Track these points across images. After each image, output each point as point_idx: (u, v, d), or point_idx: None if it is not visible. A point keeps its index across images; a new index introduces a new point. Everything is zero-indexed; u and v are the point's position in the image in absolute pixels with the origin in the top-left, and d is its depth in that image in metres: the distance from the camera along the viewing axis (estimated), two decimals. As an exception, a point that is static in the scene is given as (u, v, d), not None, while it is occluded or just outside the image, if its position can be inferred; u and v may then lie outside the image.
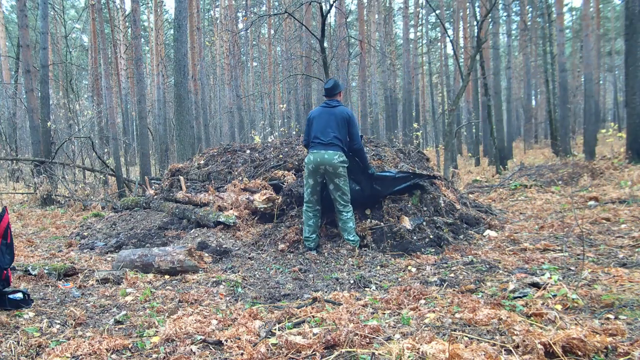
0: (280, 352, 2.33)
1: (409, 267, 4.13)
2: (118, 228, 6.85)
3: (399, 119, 24.26)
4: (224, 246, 5.00)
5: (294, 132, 17.83)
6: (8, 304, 3.12)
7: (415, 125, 20.64)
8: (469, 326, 2.55)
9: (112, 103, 15.61)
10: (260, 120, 30.58)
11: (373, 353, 2.22)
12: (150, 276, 4.13)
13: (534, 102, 32.37)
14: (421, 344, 2.21)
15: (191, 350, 2.42)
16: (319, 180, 4.79)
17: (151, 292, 3.59)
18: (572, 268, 3.68)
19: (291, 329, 2.68)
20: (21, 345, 2.51)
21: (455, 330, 2.50)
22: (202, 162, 7.56)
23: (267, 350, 2.33)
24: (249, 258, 4.73)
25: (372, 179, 5.08)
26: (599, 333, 2.26)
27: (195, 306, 3.22)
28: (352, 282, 3.80)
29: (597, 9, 25.55)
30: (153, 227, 6.46)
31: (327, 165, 4.66)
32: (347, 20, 20.69)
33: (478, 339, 2.31)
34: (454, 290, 3.32)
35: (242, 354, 2.33)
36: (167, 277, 4.15)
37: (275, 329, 2.66)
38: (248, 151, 7.23)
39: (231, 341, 2.49)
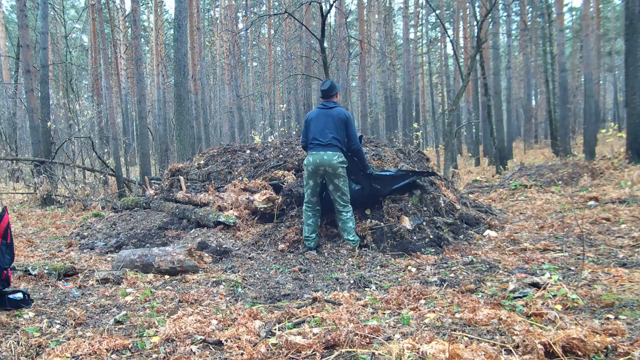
0: (280, 352, 2.33)
1: (409, 267, 4.13)
2: (118, 228, 6.85)
3: (399, 119, 24.27)
4: (224, 246, 5.00)
5: (294, 132, 17.84)
6: (8, 304, 3.12)
7: (415, 125, 20.64)
8: (469, 326, 2.55)
9: (112, 103, 15.62)
10: (260, 120, 30.59)
11: (373, 353, 2.22)
12: (150, 276, 4.13)
13: (534, 102, 32.37)
14: (421, 344, 2.21)
15: (191, 350, 2.42)
16: (319, 181, 4.80)
17: (151, 292, 3.59)
18: (572, 268, 3.68)
19: (291, 329, 2.68)
20: (21, 345, 2.51)
21: (455, 330, 2.50)
22: (202, 162, 7.56)
23: (267, 350, 2.33)
24: (249, 258, 4.73)
25: (371, 178, 5.09)
26: (599, 333, 2.26)
27: (195, 306, 3.22)
28: (352, 282, 3.80)
29: (597, 9, 25.55)
30: (153, 227, 6.47)
31: (327, 166, 4.66)
32: (347, 20, 20.69)
33: (478, 339, 2.31)
34: (454, 290, 3.32)
35: (242, 354, 2.33)
36: (167, 277, 4.15)
37: (275, 329, 2.66)
38: (248, 151, 7.23)
39: (231, 341, 2.49)
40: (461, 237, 5.10)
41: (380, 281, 3.79)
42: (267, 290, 3.64)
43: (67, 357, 2.34)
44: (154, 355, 2.40)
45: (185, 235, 5.74)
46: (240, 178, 6.27)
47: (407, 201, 5.26)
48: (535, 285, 3.18)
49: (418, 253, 4.53)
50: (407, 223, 4.91)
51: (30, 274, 4.05)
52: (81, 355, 2.36)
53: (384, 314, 2.91)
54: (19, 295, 3.22)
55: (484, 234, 5.26)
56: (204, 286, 3.78)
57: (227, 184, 6.34)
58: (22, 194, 12.02)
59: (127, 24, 22.39)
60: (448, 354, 2.05)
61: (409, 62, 21.41)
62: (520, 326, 2.38)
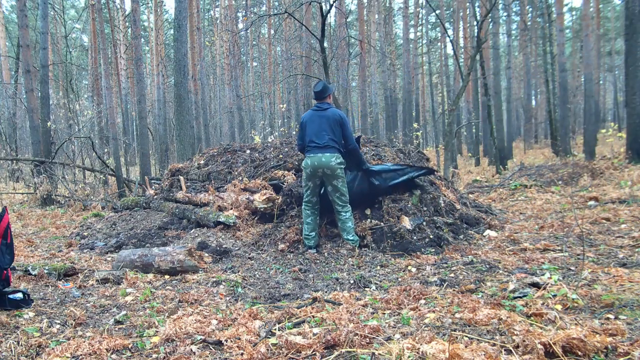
0: (280, 352, 2.33)
1: (409, 267, 4.13)
2: (118, 228, 6.85)
3: (399, 119, 24.27)
4: (224, 246, 5.00)
5: (294, 132, 17.82)
6: (8, 304, 3.12)
7: (415, 125, 20.64)
8: (469, 326, 2.55)
9: (112, 103, 15.62)
10: (260, 120, 30.58)
11: (373, 353, 2.22)
12: (150, 276, 4.13)
13: (534, 102, 32.37)
14: (421, 344, 2.21)
15: (191, 350, 2.42)
16: (318, 182, 4.82)
17: (151, 292, 3.59)
18: (572, 268, 3.68)
19: (291, 329, 2.68)
20: (21, 345, 2.51)
21: (455, 330, 2.50)
22: (202, 162, 7.56)
23: (267, 350, 2.33)
24: (249, 258, 4.73)
25: (369, 174, 5.09)
26: (599, 333, 2.26)
27: (195, 306, 3.22)
28: (352, 282, 3.80)
29: (597, 9, 25.55)
30: (153, 227, 6.47)
31: (325, 167, 4.67)
32: (347, 20, 20.69)
33: (478, 339, 2.31)
34: (454, 290, 3.32)
35: (242, 354, 2.33)
36: (167, 277, 4.15)
37: (275, 329, 2.66)
38: (248, 151, 7.23)
39: (231, 341, 2.49)
40: (461, 237, 5.10)
41: (380, 281, 3.79)
42: (267, 290, 3.64)
43: (67, 357, 2.34)
44: (154, 355, 2.40)
45: (185, 235, 5.74)
46: (240, 178, 6.27)
47: (407, 201, 5.26)
48: (535, 285, 3.17)
49: (418, 253, 4.53)
50: (407, 223, 4.91)
51: (30, 274, 4.05)
52: (81, 355, 2.36)
53: (384, 314, 2.91)
54: (19, 295, 3.22)
55: (484, 234, 5.26)
56: (204, 286, 3.78)
57: (227, 184, 6.34)
58: (22, 194, 12.02)
59: (127, 24, 22.39)
60: (448, 354, 2.05)
61: (409, 62, 21.41)
62: (520, 326, 2.38)
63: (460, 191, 7.68)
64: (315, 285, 3.79)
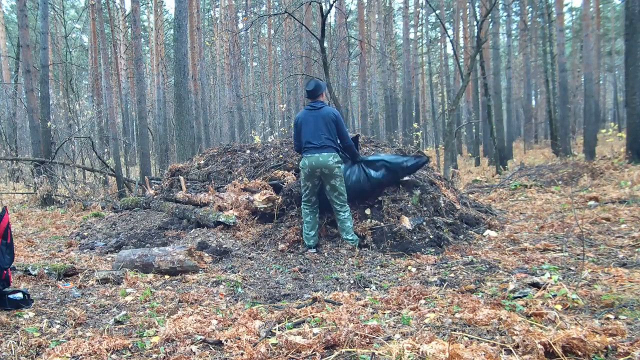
0: (280, 352, 2.33)
1: (409, 267, 4.13)
2: (118, 228, 6.85)
3: (399, 119, 24.27)
4: (224, 246, 5.00)
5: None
6: (8, 304, 3.12)
7: (415, 125, 20.64)
8: (469, 326, 2.55)
9: (112, 103, 15.62)
10: (260, 120, 30.58)
11: (373, 353, 2.22)
12: (150, 276, 4.13)
13: (534, 102, 32.37)
14: (421, 344, 2.21)
15: (191, 350, 2.42)
16: (317, 182, 4.82)
17: (151, 292, 3.59)
18: (572, 268, 3.68)
19: (291, 329, 2.68)
20: (21, 345, 2.51)
21: (455, 330, 2.50)
22: (202, 162, 7.56)
23: (267, 350, 2.33)
24: (249, 258, 4.73)
25: (364, 165, 5.10)
26: (599, 333, 2.26)
27: (195, 306, 3.22)
28: (352, 282, 3.80)
29: (597, 9, 25.55)
30: (153, 227, 6.47)
31: (323, 167, 4.67)
32: (347, 20, 20.69)
33: (478, 339, 2.31)
34: (454, 290, 3.32)
35: (242, 354, 2.33)
36: (167, 277, 4.15)
37: (275, 329, 2.66)
38: (248, 151, 7.23)
39: (231, 341, 2.49)
40: (461, 237, 5.10)
41: (380, 281, 3.79)
42: (267, 290, 3.64)
43: (67, 357, 2.34)
44: (154, 355, 2.40)
45: (185, 235, 5.74)
46: (240, 178, 6.27)
47: (407, 201, 5.26)
48: (535, 285, 3.18)
49: (418, 253, 4.53)
50: (407, 223, 4.91)
51: (30, 274, 4.05)
52: (81, 355, 2.36)
53: (384, 314, 2.91)
54: (19, 295, 3.22)
55: (484, 234, 5.26)
56: (204, 286, 3.78)
57: (227, 184, 6.33)
58: (22, 194, 12.02)
59: (127, 24, 22.38)
60: (448, 354, 2.05)
61: (409, 62, 21.41)
62: (520, 326, 2.38)
63: (460, 191, 7.68)
64: (315, 285, 3.79)
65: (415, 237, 4.80)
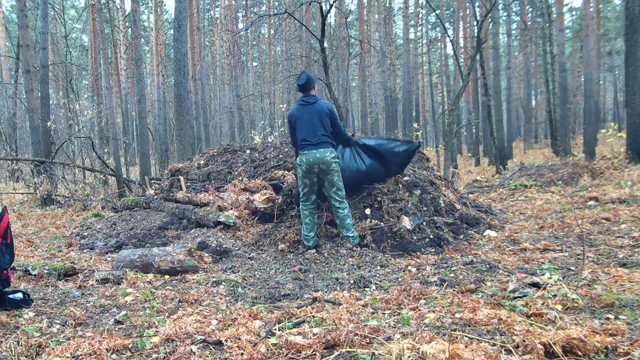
0: (280, 352, 2.33)
1: (409, 267, 4.13)
2: (118, 228, 6.85)
3: (399, 119, 24.26)
4: (224, 246, 5.00)
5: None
6: (8, 304, 3.12)
7: (415, 125, 20.63)
8: (469, 326, 2.55)
9: (112, 103, 15.62)
10: (260, 120, 30.58)
11: (373, 353, 2.22)
12: (150, 276, 4.13)
13: (534, 102, 32.37)
14: (421, 344, 2.21)
15: (191, 350, 2.42)
16: (314, 180, 4.81)
17: (151, 292, 3.59)
18: (572, 268, 3.68)
19: (291, 329, 2.68)
20: (21, 345, 2.51)
21: (455, 330, 2.50)
22: (202, 162, 7.56)
23: (267, 350, 2.33)
24: (249, 258, 4.73)
25: (357, 149, 5.12)
26: (599, 333, 2.26)
27: (195, 306, 3.22)
28: (352, 282, 3.80)
29: (597, 9, 25.55)
30: (153, 227, 6.47)
31: (321, 163, 4.68)
32: (347, 20, 20.68)
33: (478, 339, 2.31)
34: (454, 290, 3.32)
35: (242, 354, 2.33)
36: (167, 277, 4.15)
37: (275, 329, 2.66)
38: (248, 151, 7.23)
39: (231, 341, 2.49)
40: (461, 237, 5.10)
41: (380, 281, 3.79)
42: (267, 290, 3.64)
43: (67, 357, 2.34)
44: (154, 355, 2.40)
45: (185, 235, 5.74)
46: (240, 178, 6.27)
47: (407, 201, 5.26)
48: (535, 285, 3.17)
49: (418, 253, 4.53)
50: (407, 223, 4.91)
51: (30, 274, 4.05)
52: (81, 355, 2.36)
53: (384, 314, 2.91)
54: (19, 295, 3.22)
55: (484, 234, 5.26)
56: (204, 286, 3.78)
57: (227, 184, 6.34)
58: (22, 194, 12.02)
59: (127, 24, 22.38)
60: (448, 354, 2.05)
61: (409, 62, 21.41)
62: (520, 326, 2.38)
63: (460, 191, 7.68)
64: (315, 285, 3.79)
65: (415, 237, 4.80)
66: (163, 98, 19.74)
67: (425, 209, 5.31)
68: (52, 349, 2.45)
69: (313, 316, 2.85)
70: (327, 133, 4.75)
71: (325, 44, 11.88)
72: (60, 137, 13.23)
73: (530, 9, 26.08)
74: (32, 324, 2.90)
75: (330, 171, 4.71)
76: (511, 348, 2.17)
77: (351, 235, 4.77)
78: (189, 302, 3.33)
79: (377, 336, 2.44)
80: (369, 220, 5.04)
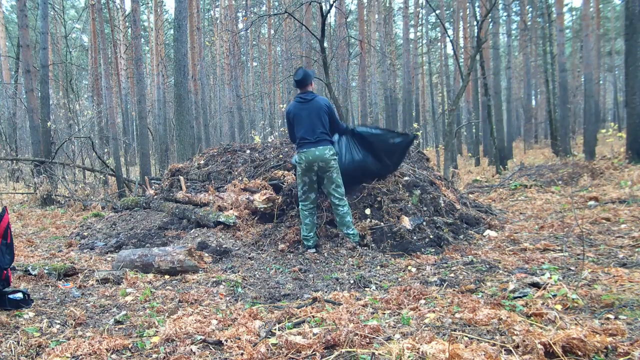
0: (280, 352, 2.33)
1: (409, 267, 4.13)
2: (118, 228, 6.85)
3: (399, 119, 24.26)
4: (224, 246, 5.00)
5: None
6: (8, 304, 3.12)
7: (415, 125, 20.63)
8: (469, 326, 2.55)
9: (112, 103, 15.62)
10: (260, 120, 30.58)
11: (373, 353, 2.22)
12: (150, 276, 4.13)
13: (534, 102, 32.37)
14: (421, 344, 2.21)
15: (191, 350, 2.42)
16: (314, 178, 4.81)
17: (151, 292, 3.59)
18: (572, 268, 3.68)
19: (291, 329, 2.68)
20: (21, 345, 2.51)
21: (455, 330, 2.50)
22: (202, 162, 7.56)
23: (267, 350, 2.33)
24: (249, 258, 4.73)
25: (353, 137, 5.10)
26: (599, 333, 2.26)
27: (195, 306, 3.22)
28: (352, 282, 3.80)
29: (597, 9, 25.55)
30: (153, 227, 6.46)
31: (320, 161, 4.68)
32: (347, 20, 20.68)
33: (478, 339, 2.31)
34: (454, 290, 3.32)
35: (242, 354, 2.33)
36: (167, 277, 4.15)
37: (275, 329, 2.66)
38: (248, 151, 7.23)
39: (231, 341, 2.49)
40: (461, 237, 5.10)
41: (380, 281, 3.79)
42: (267, 290, 3.64)
43: (67, 357, 2.34)
44: (154, 355, 2.40)
45: (185, 235, 5.74)
46: (240, 178, 6.27)
47: (407, 201, 5.26)
48: (535, 285, 3.17)
49: (418, 253, 4.53)
50: (407, 223, 4.91)
51: (30, 274, 4.05)
52: (81, 355, 2.36)
53: (384, 314, 2.91)
54: (19, 295, 3.22)
55: (484, 234, 5.26)
56: (204, 286, 3.78)
57: (227, 184, 6.34)
58: (22, 194, 12.02)
59: (127, 24, 22.38)
60: (448, 354, 2.05)
61: (409, 62, 21.41)
62: (520, 326, 2.38)
63: (460, 191, 7.68)
64: (315, 285, 3.79)
65: (415, 237, 4.80)
66: (163, 98, 19.74)
67: (425, 209, 5.31)
68: (52, 349, 2.45)
69: (313, 316, 2.85)
70: (326, 130, 4.75)
71: (325, 44, 11.88)
72: (60, 137, 13.23)
73: (530, 9, 26.08)
74: (32, 324, 2.90)
75: (329, 168, 4.71)
76: (511, 348, 2.17)
77: (351, 233, 4.76)
78: (189, 302, 3.33)
79: (377, 336, 2.44)
80: (369, 220, 5.04)
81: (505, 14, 25.99)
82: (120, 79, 22.91)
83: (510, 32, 25.77)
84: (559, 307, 2.74)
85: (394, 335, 2.50)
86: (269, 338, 2.53)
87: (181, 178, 7.30)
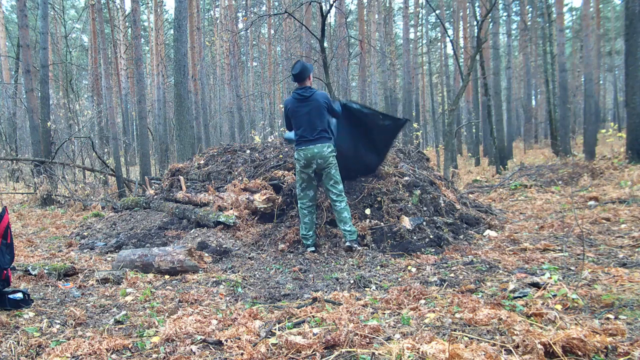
0: (280, 352, 2.33)
1: (409, 267, 4.13)
2: (118, 228, 6.85)
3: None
4: (224, 246, 5.00)
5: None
6: (8, 304, 3.12)
7: (415, 125, 20.63)
8: (469, 326, 2.55)
9: (112, 103, 15.62)
10: (260, 120, 30.58)
11: (373, 353, 2.22)
12: (150, 276, 4.13)
13: (534, 102, 32.39)
14: (421, 344, 2.21)
15: (191, 350, 2.42)
16: (312, 175, 4.81)
17: (151, 292, 3.59)
18: (572, 268, 3.68)
19: (291, 329, 2.68)
20: (21, 345, 2.51)
21: (455, 330, 2.50)
22: (202, 162, 7.56)
23: (267, 350, 2.33)
24: (249, 258, 4.73)
25: (346, 111, 5.04)
26: (599, 333, 2.26)
27: (195, 306, 3.22)
28: (352, 282, 3.80)
29: (597, 9, 25.55)
30: (153, 227, 6.46)
31: (318, 158, 4.68)
32: (347, 20, 20.69)
33: (478, 339, 2.31)
34: (454, 290, 3.32)
35: (242, 354, 2.33)
36: (167, 277, 4.15)
37: (275, 329, 2.66)
38: (248, 151, 7.23)
39: (231, 341, 2.49)
40: (461, 237, 5.10)
41: (380, 281, 3.79)
42: (267, 290, 3.64)
43: (67, 357, 2.34)
44: (154, 355, 2.40)
45: (185, 235, 5.74)
46: (240, 178, 6.27)
47: (407, 201, 5.26)
48: (535, 285, 3.17)
49: (418, 253, 4.53)
50: (407, 223, 4.92)
51: (30, 274, 4.05)
52: (81, 355, 2.36)
53: (384, 314, 2.91)
54: (19, 295, 3.22)
55: (484, 234, 5.26)
56: (204, 286, 3.78)
57: (227, 184, 6.34)
58: (22, 194, 12.01)
59: (127, 24, 22.39)
60: (448, 354, 2.05)
61: (409, 62, 21.40)
62: (520, 326, 2.37)
63: (460, 191, 7.68)
64: (315, 285, 3.79)
65: (415, 237, 4.80)
66: (163, 98, 19.75)
67: (425, 209, 5.31)
68: (52, 349, 2.45)
69: (313, 316, 2.85)
70: (326, 127, 4.73)
71: (325, 44, 11.88)
72: (60, 137, 13.23)
73: (530, 9, 26.10)
74: (32, 324, 2.90)
75: (327, 165, 4.71)
76: (511, 348, 2.17)
77: (347, 229, 4.67)
78: (189, 302, 3.32)
79: (377, 336, 2.44)
80: (369, 220, 5.04)
81: (505, 14, 25.99)
82: (120, 79, 22.91)
83: (510, 32, 25.77)
84: (559, 307, 2.74)
85: (394, 335, 2.50)
86: (269, 338, 2.53)
87: (181, 178, 7.30)
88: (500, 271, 3.75)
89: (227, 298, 3.49)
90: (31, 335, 2.68)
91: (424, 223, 5.02)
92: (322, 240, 4.98)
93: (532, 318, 2.57)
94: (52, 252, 5.57)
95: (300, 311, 2.97)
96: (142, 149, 13.15)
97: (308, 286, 3.77)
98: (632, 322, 2.49)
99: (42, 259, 5.03)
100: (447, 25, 27.88)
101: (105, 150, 16.41)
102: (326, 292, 3.55)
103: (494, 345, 2.23)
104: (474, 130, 24.49)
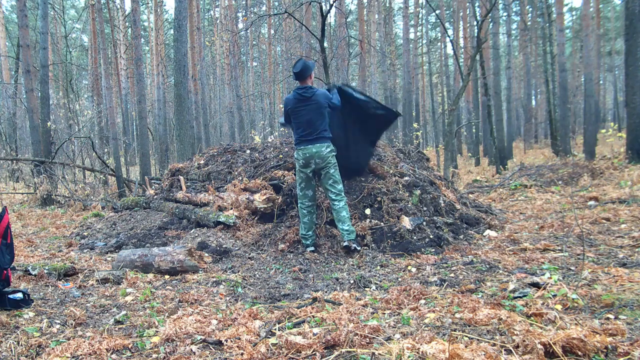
0: (280, 352, 2.33)
1: (409, 267, 4.13)
2: (118, 228, 6.85)
3: (399, 118, 24.25)
4: (224, 246, 5.00)
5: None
6: (8, 304, 3.12)
7: (415, 125, 20.63)
8: (469, 326, 2.55)
9: (112, 103, 15.62)
10: (260, 120, 30.58)
11: (373, 353, 2.22)
12: (150, 276, 4.13)
13: (534, 102, 32.38)
14: (421, 344, 2.21)
15: (191, 350, 2.42)
16: (311, 174, 4.81)
17: (151, 292, 3.59)
18: (572, 268, 3.68)
19: (291, 329, 2.68)
20: (21, 345, 2.51)
21: (455, 330, 2.50)
22: (202, 162, 7.56)
23: (267, 350, 2.33)
24: (249, 258, 4.73)
25: (341, 96, 4.99)
26: (599, 333, 2.26)
27: (195, 306, 3.22)
28: (352, 282, 3.80)
29: (597, 9, 25.55)
30: (153, 227, 6.46)
31: (317, 158, 4.68)
32: (347, 20, 20.69)
33: (478, 339, 2.31)
34: (454, 290, 3.32)
35: (242, 354, 2.33)
36: (167, 277, 4.15)
37: (275, 329, 2.66)
38: (248, 151, 7.23)
39: (231, 341, 2.49)
40: (461, 237, 5.10)
41: (380, 281, 3.79)
42: (267, 290, 3.64)
43: (67, 357, 2.34)
44: (154, 355, 2.40)
45: (185, 235, 5.74)
46: (240, 178, 6.27)
47: (407, 201, 5.26)
48: (535, 285, 3.17)
49: (418, 253, 4.53)
50: (407, 223, 4.92)
51: (30, 274, 4.05)
52: (81, 355, 2.36)
53: (384, 314, 2.91)
54: (19, 295, 3.22)
55: (484, 234, 5.26)
56: (204, 286, 3.78)
57: (227, 184, 6.34)
58: (22, 194, 12.01)
59: (127, 24, 22.39)
60: (448, 354, 2.05)
61: (409, 62, 21.40)
62: (520, 326, 2.37)
63: (460, 191, 7.68)
64: (315, 285, 3.79)
65: (415, 237, 4.80)
66: (163, 98, 19.75)
67: (425, 209, 5.31)
68: (52, 349, 2.45)
69: (313, 316, 2.85)
70: (326, 127, 4.73)
71: (325, 44, 11.88)
72: (60, 137, 13.22)
73: (530, 9, 26.10)
74: (32, 324, 2.90)
75: (326, 165, 4.71)
76: (511, 348, 2.17)
77: (346, 229, 4.64)
78: (189, 302, 3.33)
79: (377, 336, 2.44)
80: (369, 220, 5.05)
81: (505, 14, 25.99)
82: (120, 79, 22.91)
83: (510, 32, 25.78)
84: (559, 307, 2.74)
85: (394, 335, 2.50)
86: (269, 338, 2.53)
87: (181, 178, 7.30)
88: (500, 271, 3.75)
89: (227, 298, 3.49)
90: (31, 335, 2.68)
91: (424, 223, 5.02)
92: (322, 240, 4.98)
93: (532, 318, 2.57)
94: (52, 252, 5.57)
95: (300, 311, 2.97)
96: (142, 149, 13.15)
97: (308, 286, 3.77)
98: (632, 322, 2.49)
99: (42, 259, 5.03)
100: (447, 25, 27.89)
101: (105, 150, 16.41)
102: (326, 292, 3.55)
103: (494, 345, 2.23)
104: (474, 130, 24.49)
